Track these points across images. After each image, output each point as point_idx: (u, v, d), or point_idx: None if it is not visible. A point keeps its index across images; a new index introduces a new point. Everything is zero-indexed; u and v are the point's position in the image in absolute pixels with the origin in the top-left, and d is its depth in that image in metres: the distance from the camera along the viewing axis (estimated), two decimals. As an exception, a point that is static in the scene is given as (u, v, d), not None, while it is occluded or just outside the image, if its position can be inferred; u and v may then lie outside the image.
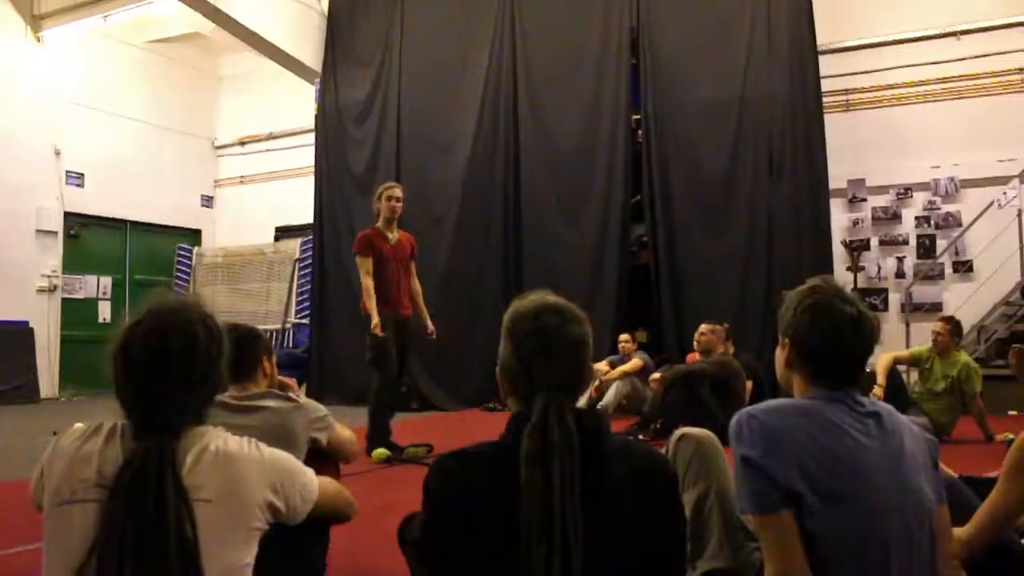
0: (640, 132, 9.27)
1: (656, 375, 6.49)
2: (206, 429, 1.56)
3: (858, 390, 1.71)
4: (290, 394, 2.45)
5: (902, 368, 6.73)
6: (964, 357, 6.31)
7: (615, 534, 1.45)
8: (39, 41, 10.95)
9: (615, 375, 8.04)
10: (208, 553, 1.42)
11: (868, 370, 6.03)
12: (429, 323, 6.11)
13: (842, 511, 1.54)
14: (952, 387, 6.11)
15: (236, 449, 1.55)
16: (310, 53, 11.05)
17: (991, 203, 8.51)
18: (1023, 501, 2.01)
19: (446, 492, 1.49)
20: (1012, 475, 2.04)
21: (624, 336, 8.42)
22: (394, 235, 5.98)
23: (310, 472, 1.68)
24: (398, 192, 6.04)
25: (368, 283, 5.70)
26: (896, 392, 6.00)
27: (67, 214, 11.27)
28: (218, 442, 1.53)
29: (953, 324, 6.29)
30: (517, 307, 1.60)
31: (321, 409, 2.48)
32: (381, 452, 5.62)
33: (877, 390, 5.82)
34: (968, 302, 8.61)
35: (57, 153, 11.10)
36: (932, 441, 1.75)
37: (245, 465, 1.53)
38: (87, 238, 11.64)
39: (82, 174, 11.44)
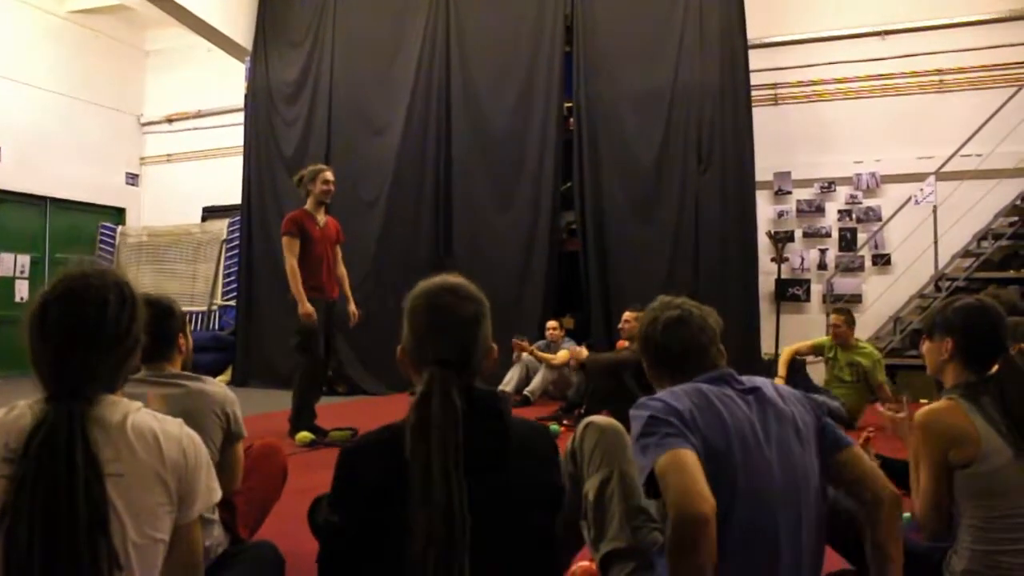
0: (572, 120, 9.32)
1: (582, 350, 6.53)
2: (120, 400, 1.53)
3: (728, 370, 1.90)
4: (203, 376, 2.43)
5: (816, 360, 6.92)
6: (868, 347, 6.58)
7: (508, 504, 1.53)
8: (-47, 8, 10.51)
9: (547, 360, 8.07)
10: (120, 528, 1.40)
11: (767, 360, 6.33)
12: (353, 307, 6.08)
13: (728, 471, 1.65)
14: (859, 376, 6.37)
15: (150, 424, 1.51)
16: (241, 31, 10.79)
17: (909, 199, 8.79)
18: (943, 471, 2.14)
19: (347, 481, 1.57)
20: (924, 452, 2.17)
21: (552, 323, 8.47)
22: (323, 218, 5.92)
23: (215, 484, 1.61)
24: (331, 175, 6.00)
25: (294, 264, 5.64)
26: (798, 379, 6.30)
27: (-18, 189, 10.86)
28: (134, 416, 1.50)
29: (847, 314, 6.58)
30: (418, 287, 1.69)
31: (236, 405, 2.46)
32: (305, 435, 5.59)
33: (778, 381, 6.02)
34: (886, 294, 8.91)
35: (-29, 125, 10.68)
36: (819, 402, 1.96)
37: (159, 441, 1.49)
38: (4, 214, 11.19)
39: (-2, 148, 11.04)
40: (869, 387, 6.38)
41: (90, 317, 1.50)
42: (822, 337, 6.86)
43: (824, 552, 1.85)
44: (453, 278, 1.69)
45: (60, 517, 1.34)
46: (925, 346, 2.42)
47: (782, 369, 6.44)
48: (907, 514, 2.87)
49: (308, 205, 5.90)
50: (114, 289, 1.55)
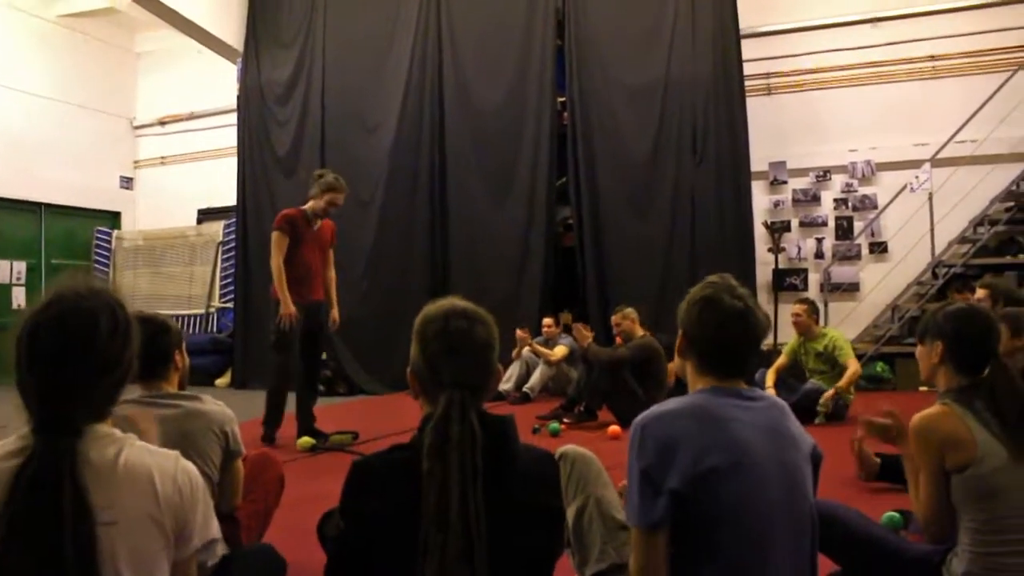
0: (566, 114, 9.31)
1: (587, 335, 6.54)
2: (111, 432, 1.48)
3: (744, 381, 1.86)
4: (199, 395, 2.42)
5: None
6: (831, 332, 6.61)
7: (511, 527, 1.54)
8: (-58, 15, 10.46)
9: (547, 356, 8.11)
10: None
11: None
12: (336, 313, 5.96)
13: (725, 494, 1.67)
14: (826, 360, 6.43)
15: (144, 461, 1.46)
16: (231, 31, 10.77)
17: (904, 186, 8.79)
18: (940, 475, 2.16)
19: (359, 497, 1.58)
20: (921, 458, 2.19)
21: (547, 320, 8.50)
22: (319, 221, 5.83)
23: (213, 519, 1.57)
24: (341, 200, 5.83)
25: (279, 263, 5.55)
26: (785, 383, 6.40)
27: (-25, 196, 10.83)
28: (127, 452, 1.45)
29: (810, 304, 6.66)
30: (426, 311, 1.69)
31: (234, 423, 2.46)
32: (306, 440, 5.58)
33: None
34: (883, 282, 8.91)
35: (-37, 132, 10.65)
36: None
37: (154, 481, 1.45)
38: (-2, 221, 11.21)
39: (-9, 154, 11.01)
40: (840, 371, 6.38)
41: (80, 343, 1.44)
42: (789, 341, 6.87)
43: (817, 564, 1.85)
44: (462, 302, 1.71)
45: (48, 569, 1.30)
46: (918, 350, 2.45)
47: (771, 391, 6.41)
48: (891, 513, 2.89)
49: (307, 206, 5.77)
50: (106, 312, 1.48)
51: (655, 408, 1.80)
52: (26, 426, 1.44)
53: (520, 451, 1.65)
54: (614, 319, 6.67)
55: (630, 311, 6.60)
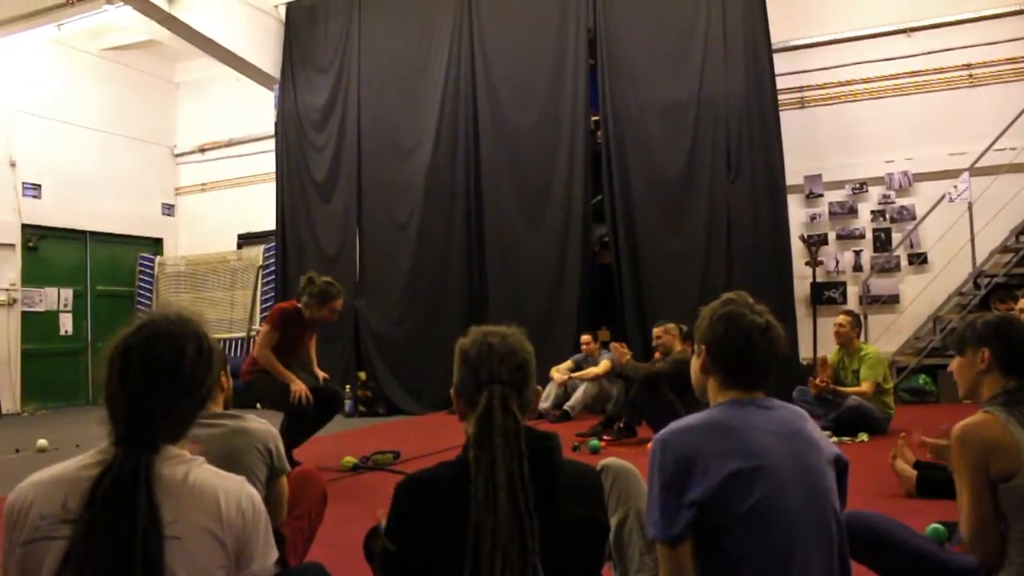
0: (599, 133, 9.34)
1: (625, 352, 6.58)
2: (181, 453, 1.56)
3: (764, 393, 1.90)
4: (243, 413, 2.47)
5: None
6: (869, 350, 6.56)
7: (561, 540, 1.57)
8: (-9, 51, 10.78)
9: (589, 374, 8.13)
10: None
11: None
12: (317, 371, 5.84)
13: (747, 500, 1.69)
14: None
15: (212, 482, 1.53)
16: (268, 59, 10.99)
17: (943, 196, 8.70)
18: (984, 485, 2.13)
19: (408, 513, 1.63)
20: (964, 468, 2.16)
21: (585, 337, 8.51)
22: (308, 325, 5.63)
23: (273, 546, 1.61)
24: (340, 305, 5.65)
25: (268, 356, 5.34)
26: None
27: (24, 226, 11.10)
28: (196, 472, 1.53)
29: (854, 316, 6.66)
30: (465, 336, 1.77)
31: (278, 441, 2.49)
32: (349, 460, 5.64)
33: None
34: (923, 293, 8.81)
35: (12, 164, 10.95)
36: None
37: (219, 501, 1.51)
38: (46, 250, 11.48)
39: (39, 185, 11.30)
40: (881, 388, 6.35)
41: (166, 366, 1.56)
42: (830, 356, 6.85)
43: (850, 570, 1.85)
44: (496, 327, 1.78)
45: (118, 572, 1.38)
46: (956, 364, 2.42)
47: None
48: (935, 525, 2.86)
49: (305, 312, 5.50)
50: (193, 339, 1.61)
51: (674, 423, 1.84)
52: (106, 441, 1.53)
53: (565, 465, 1.69)
54: (656, 331, 6.66)
55: (672, 326, 6.61)
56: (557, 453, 1.67)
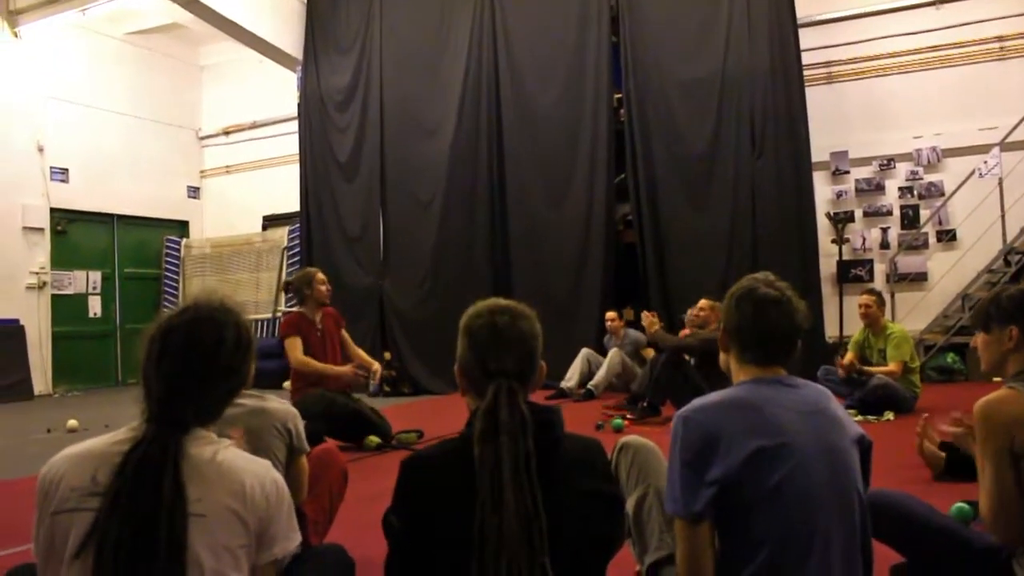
0: (622, 111, 9.28)
1: (654, 321, 6.55)
2: (210, 435, 1.59)
3: (785, 370, 1.89)
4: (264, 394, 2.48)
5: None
6: (895, 329, 6.47)
7: (565, 513, 1.57)
8: (16, 36, 10.84)
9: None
10: (198, 569, 1.43)
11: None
12: (377, 367, 5.85)
13: (770, 478, 1.69)
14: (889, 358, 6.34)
15: (238, 464, 1.55)
16: (290, 41, 11.01)
17: (972, 172, 8.57)
18: (1008, 461, 2.08)
19: (413, 491, 1.64)
20: (987, 444, 2.12)
21: (610, 313, 8.50)
22: (320, 317, 5.69)
23: (296, 530, 1.63)
24: (323, 275, 5.78)
25: (301, 358, 5.43)
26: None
27: (53, 210, 11.23)
28: (223, 453, 1.55)
29: (878, 295, 6.57)
30: (471, 309, 1.76)
31: (298, 420, 2.49)
32: (373, 439, 5.68)
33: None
34: (952, 271, 8.69)
35: (40, 149, 11.05)
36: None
37: (243, 483, 1.52)
38: (74, 233, 11.61)
39: (66, 169, 11.40)
40: (908, 367, 6.28)
41: (205, 349, 1.60)
42: (854, 335, 6.78)
43: (871, 548, 1.84)
44: (504, 300, 1.78)
45: (141, 548, 1.40)
46: (980, 340, 2.36)
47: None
48: (960, 504, 2.82)
49: (307, 310, 5.64)
50: (232, 326, 1.66)
51: (697, 401, 1.83)
52: (138, 419, 1.56)
53: (565, 438, 1.68)
54: (702, 303, 6.59)
55: (718, 304, 6.56)
56: (559, 428, 1.67)
